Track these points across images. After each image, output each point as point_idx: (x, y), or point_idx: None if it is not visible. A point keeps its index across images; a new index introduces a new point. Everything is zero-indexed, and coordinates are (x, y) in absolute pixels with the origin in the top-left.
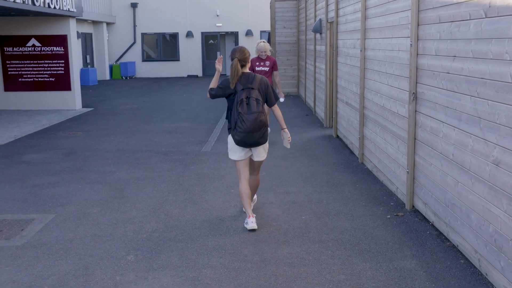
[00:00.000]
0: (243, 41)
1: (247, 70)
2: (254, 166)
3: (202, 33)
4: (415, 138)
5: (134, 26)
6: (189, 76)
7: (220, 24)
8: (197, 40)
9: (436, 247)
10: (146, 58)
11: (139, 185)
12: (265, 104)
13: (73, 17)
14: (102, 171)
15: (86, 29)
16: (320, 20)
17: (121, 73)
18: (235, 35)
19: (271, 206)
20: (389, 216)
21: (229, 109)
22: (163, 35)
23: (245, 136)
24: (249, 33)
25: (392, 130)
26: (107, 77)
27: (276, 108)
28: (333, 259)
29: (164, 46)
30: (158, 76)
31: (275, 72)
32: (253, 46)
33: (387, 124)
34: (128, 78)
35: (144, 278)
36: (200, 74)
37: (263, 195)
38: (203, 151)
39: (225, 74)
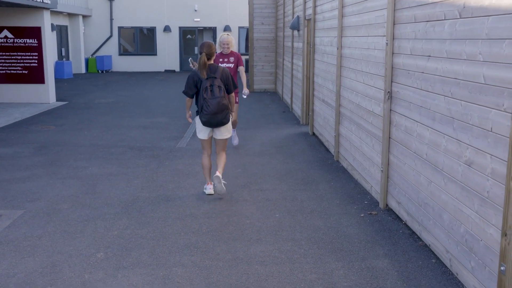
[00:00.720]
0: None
1: (212, 62)
2: (219, 145)
3: (180, 28)
4: (389, 137)
5: (111, 19)
6: (166, 71)
7: (198, 19)
8: (175, 34)
9: (408, 247)
10: (123, 52)
11: (112, 180)
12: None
13: (47, 8)
14: (74, 166)
15: (62, 21)
16: (298, 17)
17: (97, 67)
18: (213, 30)
19: (245, 203)
20: (362, 215)
21: (197, 96)
22: (140, 29)
23: (210, 117)
24: (227, 28)
25: (367, 129)
26: (83, 70)
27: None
28: (305, 257)
29: (141, 40)
30: (135, 71)
31: (240, 68)
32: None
33: (363, 123)
34: (104, 72)
35: (113, 276)
36: (177, 69)
37: (237, 192)
38: (178, 146)
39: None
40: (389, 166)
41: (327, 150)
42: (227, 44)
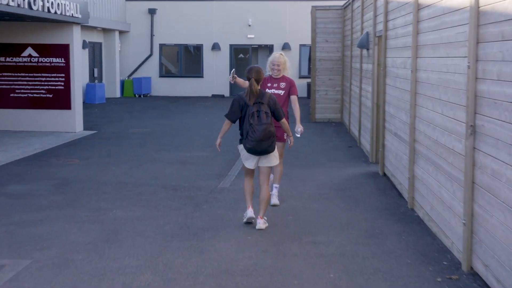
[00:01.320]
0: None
1: (260, 87)
2: (263, 173)
3: (231, 45)
4: (473, 182)
5: (152, 35)
6: (213, 96)
7: (252, 36)
8: (225, 53)
9: None
10: (165, 73)
11: (137, 226)
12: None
13: (78, 23)
14: (96, 208)
15: (95, 37)
16: (367, 33)
17: (134, 90)
18: (269, 49)
19: (293, 259)
20: (440, 279)
21: (240, 122)
22: (185, 46)
23: (255, 144)
24: (286, 46)
25: (446, 170)
26: (117, 94)
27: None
28: None
29: (186, 60)
30: (177, 95)
31: (293, 98)
32: (290, 61)
33: (441, 163)
34: (142, 96)
35: None
36: (226, 93)
37: (285, 245)
38: (221, 187)
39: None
40: (474, 218)
41: (400, 195)
42: (278, 66)
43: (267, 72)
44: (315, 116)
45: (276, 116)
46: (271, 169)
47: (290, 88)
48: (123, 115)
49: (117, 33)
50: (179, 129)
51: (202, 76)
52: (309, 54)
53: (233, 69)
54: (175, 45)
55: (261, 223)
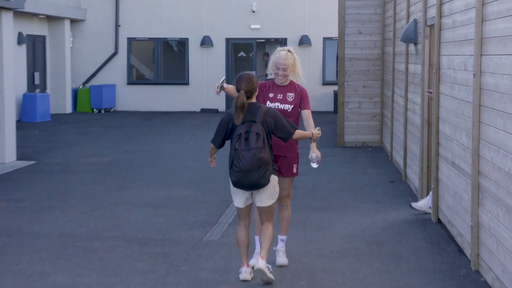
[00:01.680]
0: (295, 53)
1: (253, 100)
2: (262, 214)
3: (228, 40)
4: None
5: (117, 26)
6: (203, 110)
7: (258, 26)
8: (219, 51)
9: None
10: (135, 79)
11: None
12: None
13: (8, 8)
14: (28, 272)
15: (36, 29)
16: (415, 21)
17: (91, 104)
18: (281, 43)
19: None
20: None
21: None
22: (164, 42)
23: (241, 176)
24: (304, 41)
25: None
26: (68, 109)
27: (296, 133)
28: None
29: (165, 60)
30: (152, 110)
31: (305, 112)
32: (310, 61)
33: None
34: (102, 111)
35: None
36: (221, 107)
37: None
38: (207, 239)
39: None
40: None
41: (460, 250)
42: (285, 70)
43: (269, 75)
44: (343, 138)
45: (282, 136)
46: (272, 207)
47: (301, 101)
48: (75, 139)
49: (67, 23)
50: (154, 157)
51: (187, 83)
52: (337, 52)
53: (223, 77)
54: (150, 39)
55: (261, 265)
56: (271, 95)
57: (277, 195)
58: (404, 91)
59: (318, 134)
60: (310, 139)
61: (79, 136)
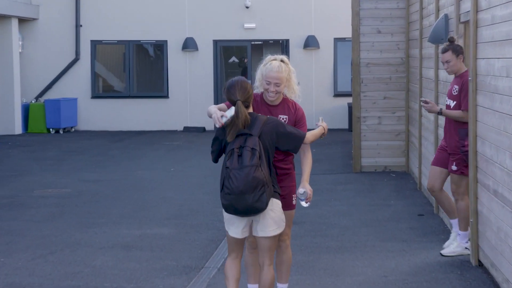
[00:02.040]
0: (299, 58)
1: (249, 109)
2: (262, 249)
3: (216, 42)
4: None
5: (77, 26)
6: (187, 129)
7: (253, 25)
8: (206, 55)
9: None
10: (102, 92)
11: None
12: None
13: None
14: None
15: None
16: (445, 17)
17: (46, 122)
18: (282, 46)
19: None
20: None
21: None
22: (137, 45)
23: (233, 199)
24: (311, 42)
25: None
26: (18, 129)
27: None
28: None
29: (139, 68)
30: (123, 129)
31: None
32: (318, 67)
33: None
34: (61, 131)
35: None
36: (209, 125)
37: None
38: None
39: None
40: None
41: None
42: (278, 85)
43: (255, 88)
44: (360, 161)
45: (291, 147)
46: (275, 242)
47: (296, 123)
48: (26, 166)
49: (15, 22)
50: (125, 188)
51: (166, 96)
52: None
53: (233, 111)
54: (119, 42)
55: None
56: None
57: (283, 225)
58: (435, 103)
59: (326, 125)
60: (323, 135)
61: (32, 163)
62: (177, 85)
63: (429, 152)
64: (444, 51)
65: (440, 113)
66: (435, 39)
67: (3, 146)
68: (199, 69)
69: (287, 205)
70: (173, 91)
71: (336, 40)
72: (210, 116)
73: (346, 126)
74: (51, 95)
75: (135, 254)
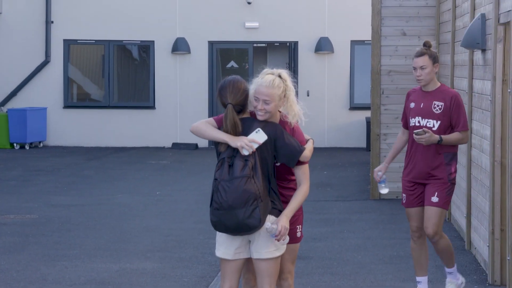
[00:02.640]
0: (310, 63)
1: (246, 114)
2: (261, 274)
3: (212, 43)
4: None
5: (48, 23)
6: (176, 146)
7: (256, 24)
8: (199, 59)
9: None
10: (76, 100)
11: None
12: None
13: None
14: None
15: None
16: (482, 17)
17: (10, 136)
18: (290, 49)
19: None
20: None
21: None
22: (118, 46)
23: (222, 215)
24: (324, 46)
25: None
26: None
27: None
28: None
29: (121, 73)
30: (100, 145)
31: (298, 170)
32: (332, 74)
33: None
34: (27, 147)
35: None
36: (203, 141)
37: None
38: None
39: None
40: None
41: None
42: (267, 102)
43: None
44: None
45: (285, 160)
46: (276, 266)
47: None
48: None
49: None
50: (101, 214)
51: (152, 107)
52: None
53: (260, 130)
54: (98, 42)
55: None
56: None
57: (283, 248)
58: (468, 119)
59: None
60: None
61: None
62: (165, 93)
63: (461, 177)
64: (420, 54)
65: (440, 141)
66: (470, 43)
67: None
68: (192, 75)
69: (290, 237)
70: (161, 100)
71: (353, 43)
72: (200, 135)
73: (363, 144)
74: (16, 103)
75: None
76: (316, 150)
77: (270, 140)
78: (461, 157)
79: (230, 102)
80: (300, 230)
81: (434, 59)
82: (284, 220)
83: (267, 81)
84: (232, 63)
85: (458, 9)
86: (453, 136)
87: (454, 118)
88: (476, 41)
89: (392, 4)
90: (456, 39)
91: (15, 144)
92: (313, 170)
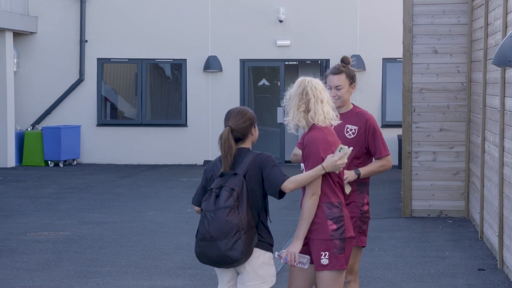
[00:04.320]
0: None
1: (247, 144)
2: None
3: (243, 62)
4: None
5: (82, 42)
6: (207, 163)
7: (287, 42)
8: (231, 77)
9: None
10: (109, 118)
11: None
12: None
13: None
14: None
15: None
16: None
17: (44, 154)
18: (322, 67)
19: None
20: None
21: None
22: (151, 65)
23: (205, 246)
24: (356, 63)
25: None
26: (11, 161)
27: (291, 181)
28: None
29: (153, 91)
30: (133, 163)
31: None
32: (364, 92)
33: None
34: (61, 164)
35: None
36: None
37: None
38: None
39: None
40: None
41: None
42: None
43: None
44: (410, 205)
45: (270, 191)
46: None
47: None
48: (19, 205)
49: (9, 36)
50: (133, 232)
51: (184, 124)
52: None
53: (344, 147)
54: (131, 61)
55: None
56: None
57: (271, 280)
58: (499, 137)
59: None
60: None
61: (25, 201)
62: (197, 111)
63: (493, 195)
64: (337, 72)
65: (359, 175)
66: (501, 61)
67: None
68: (223, 93)
69: (316, 264)
70: (193, 118)
71: (385, 60)
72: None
73: (395, 162)
74: (50, 121)
75: None
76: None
77: (258, 171)
78: (493, 175)
79: (229, 125)
80: (326, 257)
81: (352, 79)
82: (293, 245)
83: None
84: (264, 81)
85: (490, 27)
86: (375, 166)
87: (371, 144)
88: (508, 59)
89: (424, 22)
90: (488, 56)
91: (49, 162)
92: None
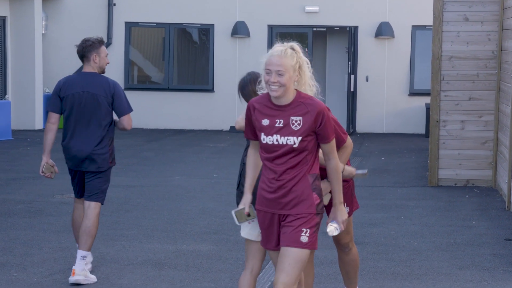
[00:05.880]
0: (370, 48)
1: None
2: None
3: (271, 27)
4: None
5: (110, 5)
6: (233, 128)
7: (316, 9)
8: (259, 43)
9: None
10: (137, 83)
11: None
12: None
13: None
14: None
15: None
16: None
17: None
18: (350, 34)
19: None
20: None
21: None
22: (178, 29)
23: None
24: (384, 30)
25: None
26: (39, 124)
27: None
28: None
29: (180, 56)
30: (159, 127)
31: (328, 147)
32: (392, 60)
33: None
34: None
35: None
36: None
37: None
38: None
39: None
40: None
41: None
42: (280, 74)
43: (259, 90)
44: (437, 173)
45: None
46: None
47: (318, 128)
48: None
49: (38, 1)
50: (159, 196)
51: (211, 90)
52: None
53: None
54: (158, 25)
55: None
56: (265, 122)
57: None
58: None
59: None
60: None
61: None
62: (224, 77)
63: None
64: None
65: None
66: None
67: (20, 143)
68: (251, 59)
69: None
70: (220, 84)
71: (415, 28)
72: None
73: (422, 131)
74: None
75: (168, 274)
76: (374, 135)
77: None
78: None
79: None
80: (307, 234)
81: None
82: (342, 211)
83: (278, 50)
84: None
85: None
86: (346, 155)
87: (329, 131)
88: None
89: None
90: None
91: None
92: (370, 155)
